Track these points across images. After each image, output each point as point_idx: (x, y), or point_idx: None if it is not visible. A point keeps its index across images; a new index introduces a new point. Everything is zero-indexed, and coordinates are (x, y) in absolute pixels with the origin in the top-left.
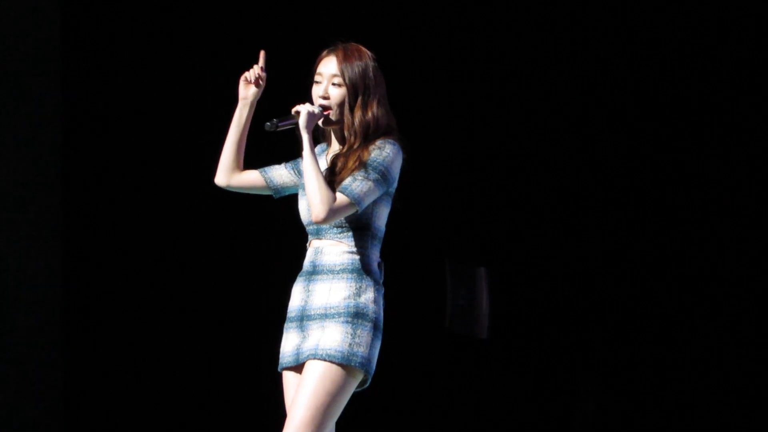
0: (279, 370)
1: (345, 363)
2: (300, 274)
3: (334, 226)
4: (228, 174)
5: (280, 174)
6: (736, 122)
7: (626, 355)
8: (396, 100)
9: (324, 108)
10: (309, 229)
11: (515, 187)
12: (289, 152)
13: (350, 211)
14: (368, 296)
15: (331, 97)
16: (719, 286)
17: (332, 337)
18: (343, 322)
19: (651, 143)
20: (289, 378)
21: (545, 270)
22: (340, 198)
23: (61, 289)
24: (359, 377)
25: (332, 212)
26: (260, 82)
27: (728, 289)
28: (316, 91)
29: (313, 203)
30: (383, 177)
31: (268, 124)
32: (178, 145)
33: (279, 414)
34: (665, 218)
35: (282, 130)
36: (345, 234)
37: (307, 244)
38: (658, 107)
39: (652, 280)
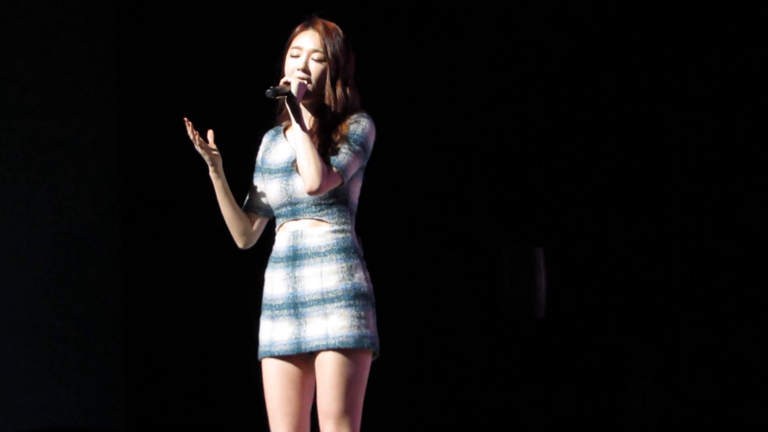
0: (261, 358)
1: (359, 346)
2: (275, 260)
3: (312, 204)
4: (246, 237)
5: (261, 199)
6: None
7: (683, 331)
8: (445, 78)
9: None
10: (282, 211)
11: (572, 167)
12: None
13: (337, 183)
14: (360, 275)
15: (311, 71)
16: None
17: (340, 323)
18: (345, 306)
19: (716, 120)
20: (281, 366)
21: (602, 248)
22: (330, 169)
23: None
24: (370, 356)
25: (326, 183)
26: (208, 147)
27: None
28: (295, 63)
29: (307, 173)
30: (363, 150)
31: (269, 91)
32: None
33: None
34: (726, 196)
35: (274, 99)
36: (325, 212)
37: (278, 229)
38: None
39: (710, 256)
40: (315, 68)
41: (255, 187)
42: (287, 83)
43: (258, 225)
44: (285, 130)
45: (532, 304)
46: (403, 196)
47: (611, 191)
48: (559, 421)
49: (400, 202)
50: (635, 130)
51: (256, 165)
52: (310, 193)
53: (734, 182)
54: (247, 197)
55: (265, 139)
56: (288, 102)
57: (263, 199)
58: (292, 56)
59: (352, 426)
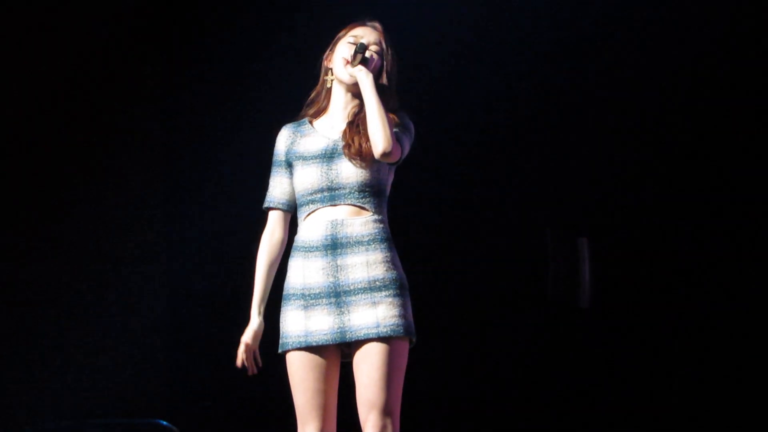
0: (291, 348)
1: (406, 335)
2: (307, 249)
3: (356, 190)
4: (280, 252)
5: (288, 191)
6: None
7: (726, 322)
8: (495, 69)
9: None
10: (318, 197)
11: (615, 156)
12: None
13: (398, 157)
14: (400, 265)
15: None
16: None
17: (390, 311)
18: (394, 295)
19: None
20: (313, 359)
21: (646, 238)
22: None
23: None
24: (409, 345)
25: (395, 148)
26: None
27: None
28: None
29: (382, 135)
30: (410, 141)
31: (359, 45)
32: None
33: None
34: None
35: (356, 54)
36: (367, 199)
37: (305, 217)
38: None
39: (756, 246)
40: (375, 57)
41: (278, 181)
42: (362, 50)
43: (284, 222)
44: (311, 122)
45: (576, 293)
46: (449, 186)
47: (655, 180)
48: (602, 411)
49: (445, 191)
50: (680, 120)
51: (276, 159)
52: (383, 154)
53: None
54: (269, 193)
55: (286, 132)
56: (363, 66)
57: (286, 193)
58: (350, 43)
59: (395, 418)
